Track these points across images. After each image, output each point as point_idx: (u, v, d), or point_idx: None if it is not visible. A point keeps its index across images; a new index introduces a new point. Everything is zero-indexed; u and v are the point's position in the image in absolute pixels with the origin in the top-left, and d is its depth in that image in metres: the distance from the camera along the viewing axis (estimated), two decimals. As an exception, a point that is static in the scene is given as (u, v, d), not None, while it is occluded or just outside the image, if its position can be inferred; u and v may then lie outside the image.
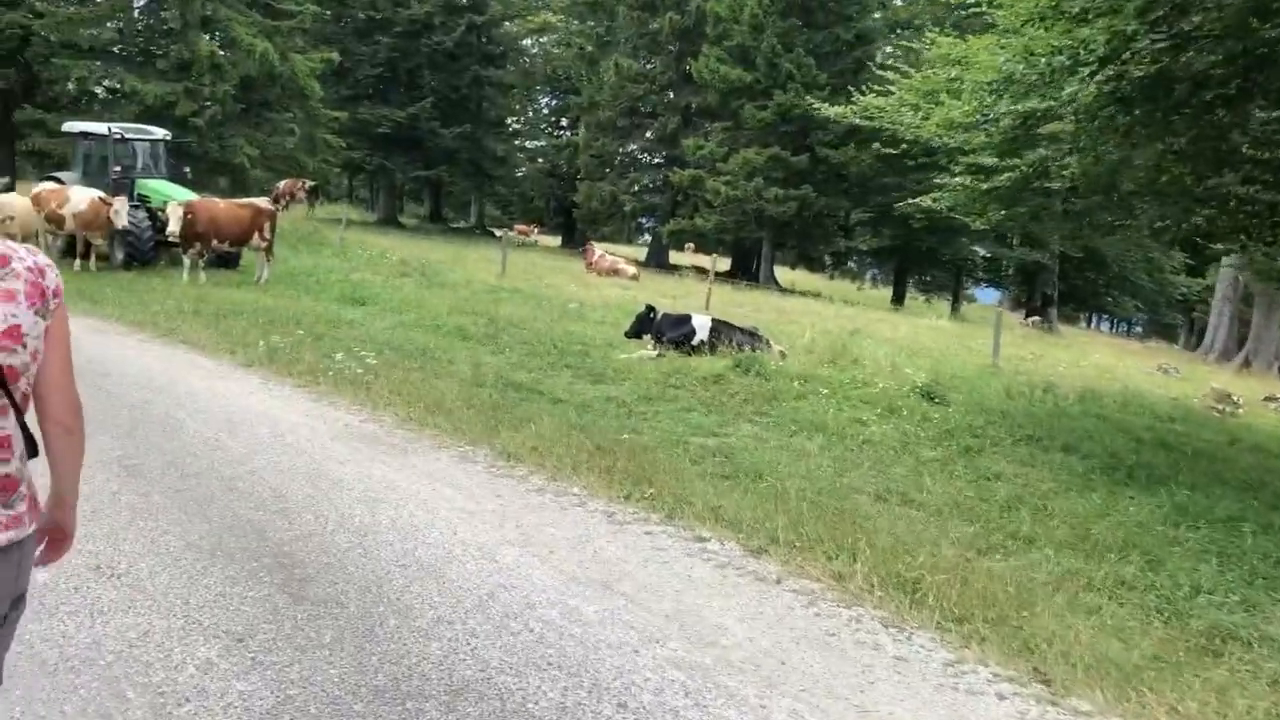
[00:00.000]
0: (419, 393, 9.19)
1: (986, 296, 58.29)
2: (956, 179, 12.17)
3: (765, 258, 35.98)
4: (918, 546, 5.75)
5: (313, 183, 41.90)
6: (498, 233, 45.73)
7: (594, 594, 4.83)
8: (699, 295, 25.89)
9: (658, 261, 37.61)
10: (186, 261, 17.21)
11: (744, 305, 24.11)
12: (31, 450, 2.18)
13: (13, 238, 14.79)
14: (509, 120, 47.24)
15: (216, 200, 18.74)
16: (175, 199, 18.61)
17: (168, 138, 21.55)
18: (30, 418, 2.16)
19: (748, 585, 5.16)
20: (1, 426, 2.09)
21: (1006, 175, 10.57)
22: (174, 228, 16.62)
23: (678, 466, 7.39)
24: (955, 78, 10.93)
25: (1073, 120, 9.07)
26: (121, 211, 16.79)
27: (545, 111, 57.58)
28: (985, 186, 11.37)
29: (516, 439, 7.63)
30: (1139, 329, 60.94)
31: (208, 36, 26.96)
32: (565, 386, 11.20)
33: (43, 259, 2.17)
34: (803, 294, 35.32)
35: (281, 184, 36.78)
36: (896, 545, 5.74)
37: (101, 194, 17.38)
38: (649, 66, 37.12)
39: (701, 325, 14.23)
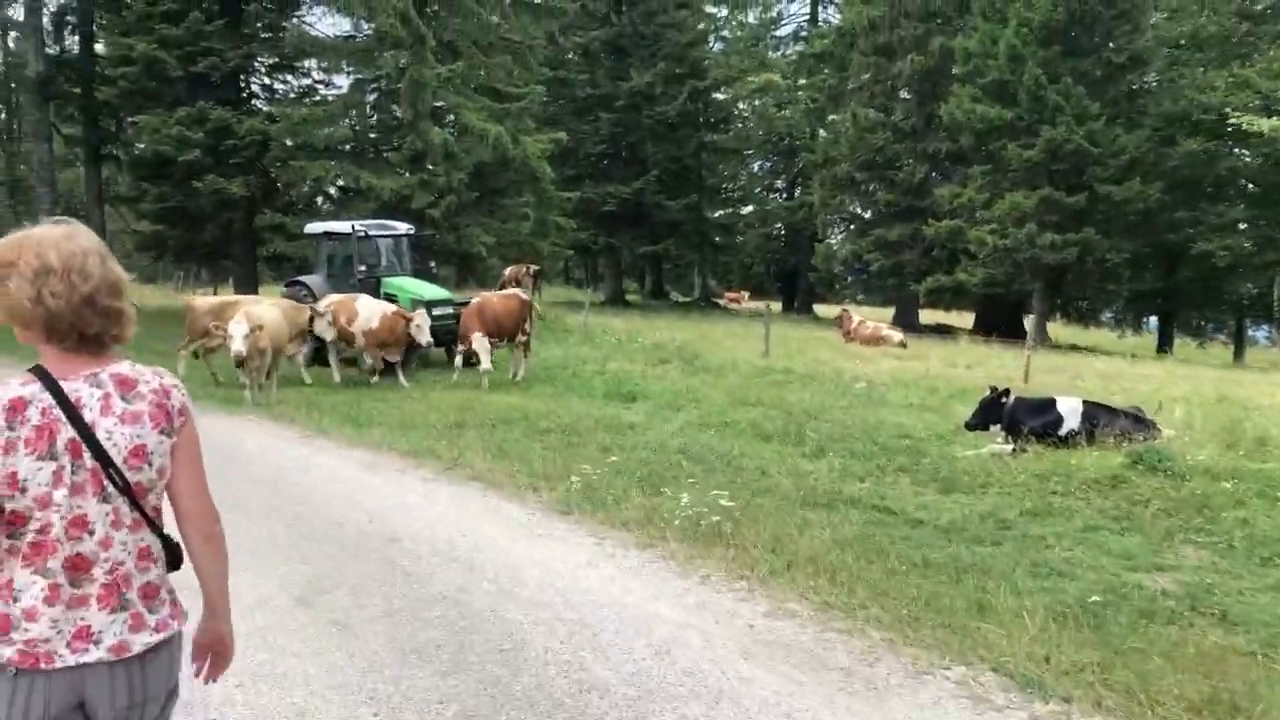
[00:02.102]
0: (791, 544, 6.69)
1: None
2: None
3: (1037, 311, 32.16)
4: None
5: (536, 267, 41.23)
6: (732, 304, 43.87)
7: None
8: (992, 361, 22.65)
9: (905, 323, 34.45)
10: (458, 362, 16.03)
11: (1061, 371, 20.62)
12: (173, 563, 2.39)
13: (262, 353, 13.41)
14: (729, 186, 45.25)
15: (490, 294, 17.22)
16: (424, 296, 17.20)
17: (411, 232, 20.35)
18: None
19: None
20: (140, 539, 2.29)
21: None
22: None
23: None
24: None
25: None
26: (424, 327, 15.47)
27: (759, 173, 55.45)
28: None
29: (995, 635, 4.97)
30: None
31: (437, 127, 26.09)
32: (913, 499, 9.10)
33: (169, 380, 2.37)
34: (1073, 348, 31.30)
35: (507, 270, 35.86)
36: None
37: (396, 308, 16.18)
38: (890, 115, 34.31)
39: (1071, 410, 11.30)
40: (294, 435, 10.96)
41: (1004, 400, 11.54)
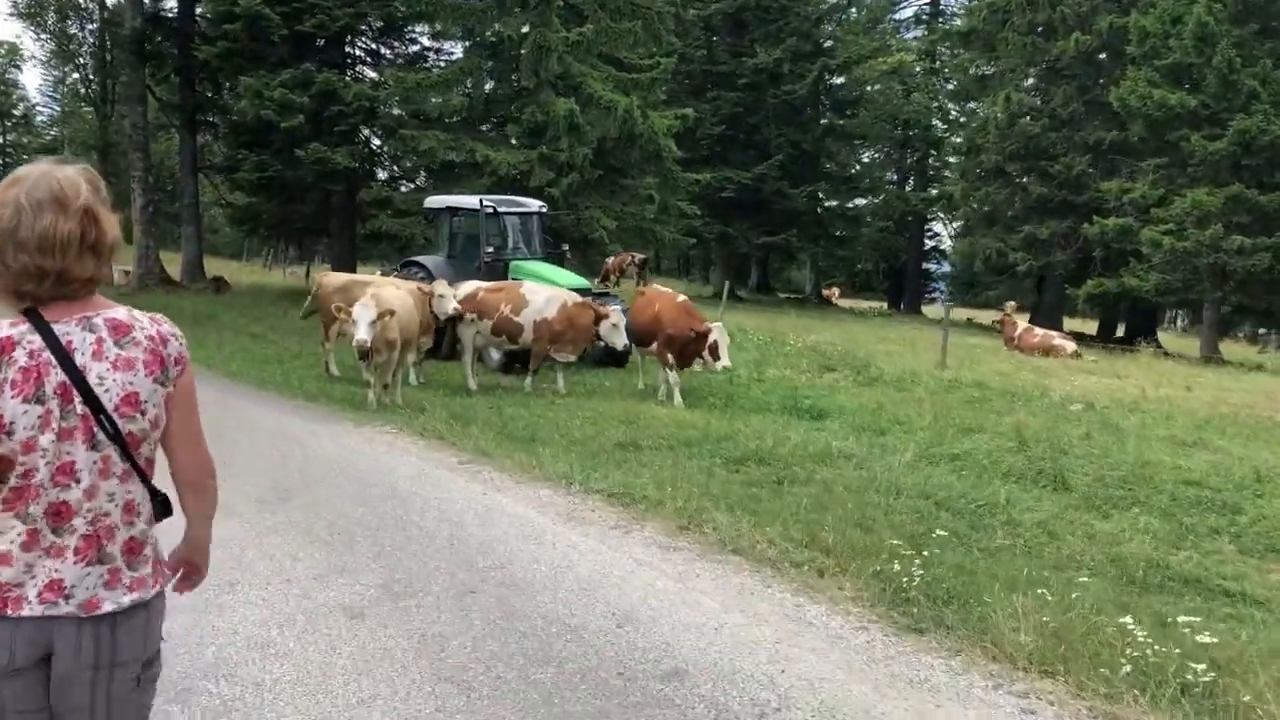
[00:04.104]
0: None
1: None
2: None
3: (1209, 323, 28.75)
4: None
5: (643, 256, 38.66)
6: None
7: None
8: (1205, 380, 19.56)
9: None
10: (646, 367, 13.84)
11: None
12: (162, 512, 2.30)
13: (390, 345, 11.00)
14: (852, 176, 42.14)
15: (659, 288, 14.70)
16: (559, 285, 14.65)
17: (543, 210, 17.89)
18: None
19: None
20: (129, 491, 2.20)
21: None
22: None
23: None
24: None
25: None
26: (620, 327, 12.97)
27: (871, 163, 51.94)
28: None
29: None
30: None
31: (561, 97, 23.63)
32: (1257, 577, 6.84)
33: (167, 328, 2.26)
34: (1259, 369, 27.85)
35: (610, 259, 33.44)
36: None
37: (580, 297, 13.60)
38: (1047, 101, 31.05)
39: None
40: (447, 458, 8.49)
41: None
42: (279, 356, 15.65)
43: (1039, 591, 5.08)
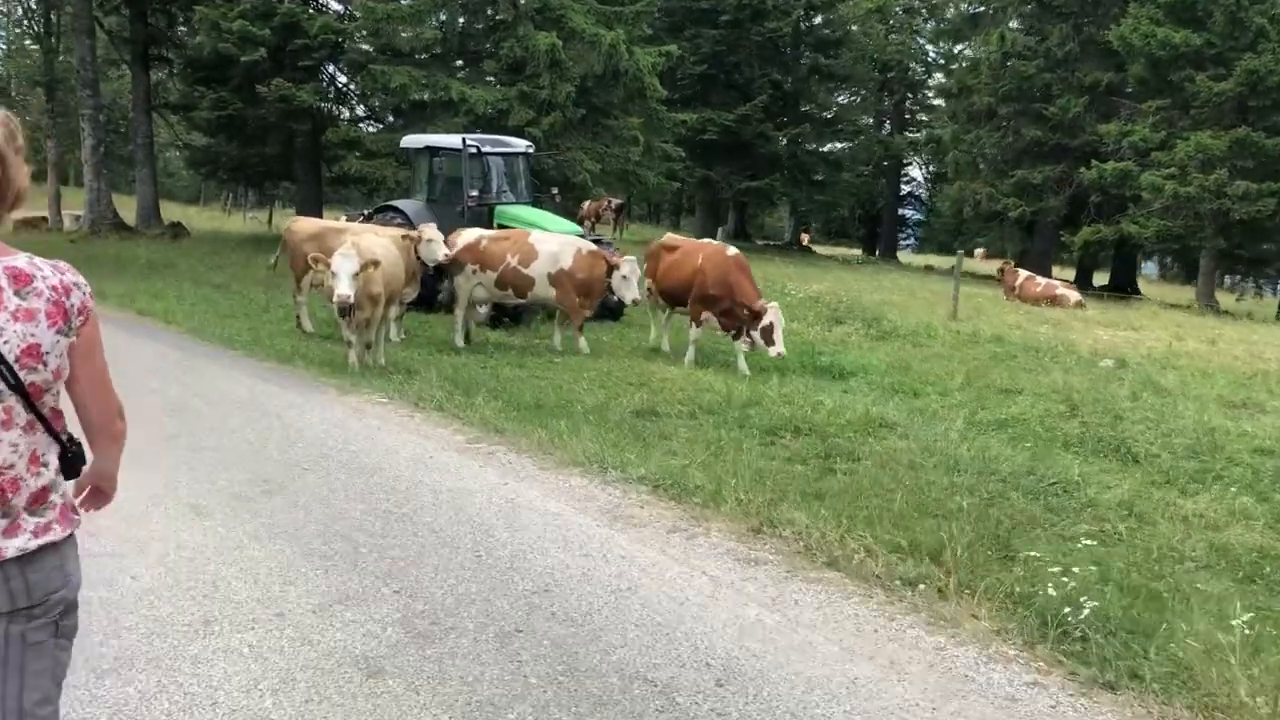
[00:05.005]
0: None
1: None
2: None
3: (1205, 272, 27.97)
4: None
5: (619, 201, 37.22)
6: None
7: None
8: (1224, 333, 18.71)
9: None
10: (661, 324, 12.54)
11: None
12: (70, 470, 2.24)
13: (374, 300, 9.71)
14: (833, 118, 40.73)
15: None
16: (550, 231, 13.38)
17: (530, 150, 16.55)
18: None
19: None
20: (31, 443, 2.14)
21: None
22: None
23: None
24: None
25: None
26: (632, 280, 11.65)
27: (849, 105, 50.32)
28: None
29: None
30: None
31: (542, 31, 22.11)
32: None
33: (70, 277, 2.19)
34: (1247, 316, 27.11)
35: (586, 204, 32.09)
36: None
37: (591, 245, 12.39)
38: (1043, 40, 29.82)
39: None
40: (452, 435, 7.31)
41: None
42: (245, 310, 14.35)
43: (1231, 623, 4.03)
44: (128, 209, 28.29)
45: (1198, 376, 13.20)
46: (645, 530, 5.31)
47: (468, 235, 11.99)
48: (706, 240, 13.25)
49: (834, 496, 6.14)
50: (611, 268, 11.49)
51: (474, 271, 11.72)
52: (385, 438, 7.13)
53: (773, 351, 10.81)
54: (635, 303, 11.87)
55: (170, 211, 31.22)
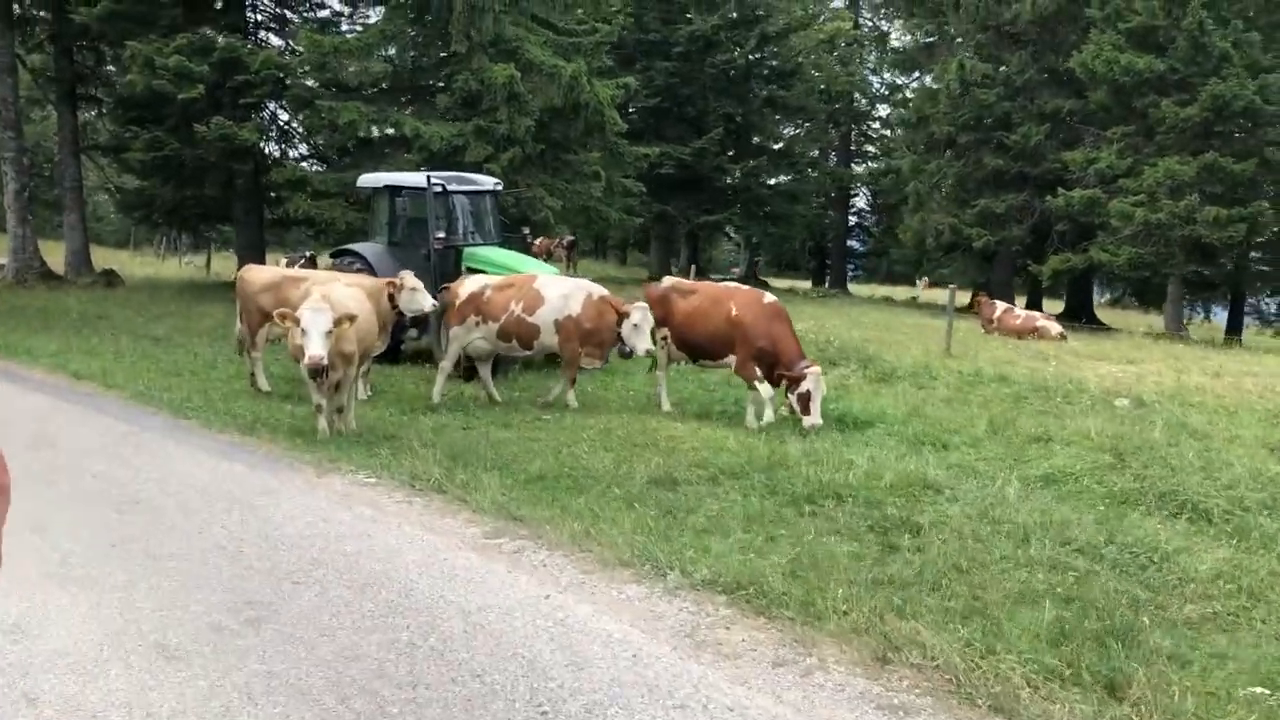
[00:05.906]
0: None
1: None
2: None
3: (1173, 299, 27.65)
4: None
5: (570, 238, 36.26)
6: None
7: None
8: (1229, 365, 18.06)
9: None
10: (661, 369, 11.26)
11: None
12: None
13: (347, 359, 8.51)
14: (791, 150, 40.19)
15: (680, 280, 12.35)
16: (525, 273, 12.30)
17: (498, 188, 15.50)
18: None
19: None
20: None
21: None
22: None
23: None
24: None
25: None
26: (644, 329, 10.51)
27: (802, 135, 49.83)
28: None
29: None
30: None
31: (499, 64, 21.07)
32: None
33: None
34: (1229, 344, 26.79)
35: (539, 241, 31.08)
36: None
37: (600, 291, 11.13)
38: (1000, 68, 29.49)
39: None
40: (463, 526, 6.14)
41: None
42: (191, 366, 13.03)
43: None
44: (55, 256, 26.62)
45: (1223, 415, 12.48)
46: (743, 664, 4.21)
47: (470, 285, 10.91)
48: (731, 284, 12.11)
49: (916, 586, 5.14)
50: (621, 316, 10.43)
51: (476, 324, 10.61)
52: (384, 534, 5.94)
53: (807, 422, 9.72)
54: (649, 353, 10.75)
55: (101, 258, 29.52)
